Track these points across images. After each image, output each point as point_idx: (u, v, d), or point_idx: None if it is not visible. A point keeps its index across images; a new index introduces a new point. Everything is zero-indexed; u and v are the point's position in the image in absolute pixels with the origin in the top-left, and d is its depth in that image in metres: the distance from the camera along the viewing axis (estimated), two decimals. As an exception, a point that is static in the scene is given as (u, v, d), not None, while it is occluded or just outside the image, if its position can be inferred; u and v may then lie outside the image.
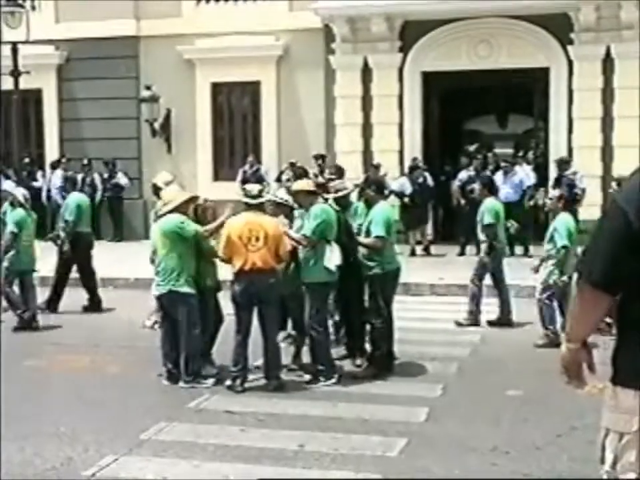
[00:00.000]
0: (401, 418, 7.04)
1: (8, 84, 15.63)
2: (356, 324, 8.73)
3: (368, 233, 8.40)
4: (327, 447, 6.31)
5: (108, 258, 14.80)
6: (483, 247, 10.70)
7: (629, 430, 3.01)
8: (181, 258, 8.03)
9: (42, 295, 11.67)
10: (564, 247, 9.40)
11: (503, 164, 16.76)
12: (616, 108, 16.54)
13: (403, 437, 6.49)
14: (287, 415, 7.17)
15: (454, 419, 7.02)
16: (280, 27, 18.01)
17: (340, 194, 9.09)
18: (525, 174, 16.44)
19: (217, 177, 18.99)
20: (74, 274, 12.14)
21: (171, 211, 8.16)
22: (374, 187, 8.83)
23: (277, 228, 7.97)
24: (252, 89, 18.77)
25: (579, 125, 16.76)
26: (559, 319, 9.54)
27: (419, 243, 16.43)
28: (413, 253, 15.89)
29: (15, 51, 15.58)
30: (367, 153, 17.72)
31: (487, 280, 10.77)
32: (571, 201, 15.16)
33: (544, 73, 17.08)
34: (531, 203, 15.74)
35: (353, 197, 10.07)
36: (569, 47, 16.66)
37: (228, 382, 7.90)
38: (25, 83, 16.70)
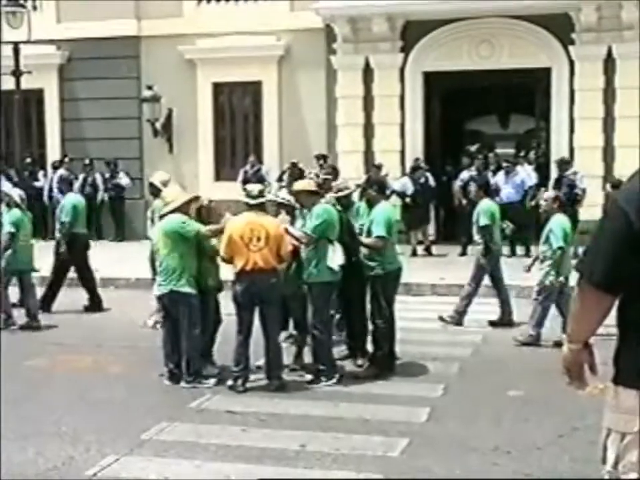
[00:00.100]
0: (402, 418, 7.04)
1: (10, 84, 15.63)
2: (357, 324, 8.74)
3: (369, 233, 8.41)
4: (328, 447, 6.31)
5: (109, 258, 14.82)
6: (479, 248, 10.71)
7: (630, 430, 3.01)
8: (182, 258, 8.03)
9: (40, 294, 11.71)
10: (560, 248, 9.40)
11: (504, 164, 16.74)
12: (617, 108, 16.54)
13: (405, 437, 6.50)
14: (288, 414, 7.17)
15: (455, 419, 7.02)
16: (281, 27, 18.02)
17: (342, 193, 9.09)
18: (527, 174, 16.43)
19: (218, 176, 19.00)
20: (72, 274, 12.16)
21: (172, 211, 8.16)
22: (375, 187, 8.84)
23: (278, 228, 7.97)
24: (253, 89, 18.78)
25: (581, 125, 16.76)
26: (559, 319, 9.54)
27: (420, 243, 16.44)
28: (414, 253, 15.89)
29: (16, 51, 15.59)
30: (368, 153, 17.72)
31: (486, 280, 10.77)
32: (566, 202, 15.25)
33: (545, 73, 17.08)
34: (533, 203, 15.70)
35: (355, 197, 10.08)
36: (570, 47, 16.66)
37: (229, 382, 7.91)
38: (26, 83, 16.70)
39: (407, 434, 6.58)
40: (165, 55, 18.60)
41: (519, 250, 15.34)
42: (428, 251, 16.36)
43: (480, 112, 24.06)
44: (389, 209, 8.82)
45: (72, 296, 12.05)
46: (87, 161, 18.72)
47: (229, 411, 7.27)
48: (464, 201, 16.16)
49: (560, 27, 16.65)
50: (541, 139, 19.10)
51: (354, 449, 6.28)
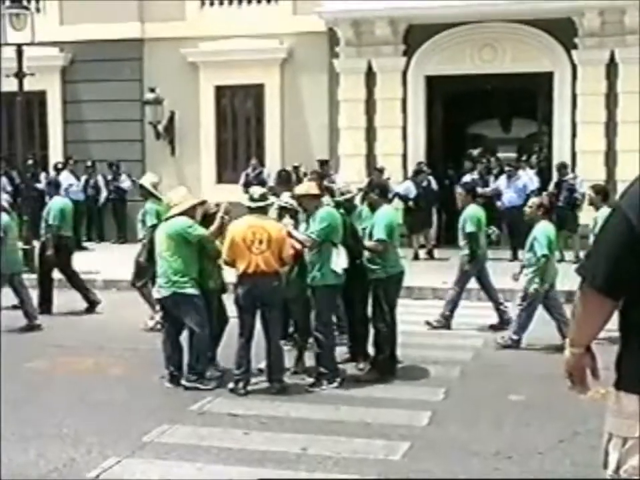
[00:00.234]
0: (403, 422, 7.04)
1: (12, 86, 15.63)
2: (359, 327, 8.74)
3: (371, 237, 8.41)
4: (329, 450, 6.31)
5: (111, 260, 14.83)
6: (464, 254, 10.71)
7: (632, 435, 3.01)
8: (185, 260, 8.03)
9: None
10: (544, 255, 9.41)
11: (506, 168, 16.76)
12: (619, 113, 16.56)
13: (406, 441, 6.50)
14: (289, 418, 7.17)
15: (456, 422, 7.02)
16: (284, 30, 18.04)
17: (344, 197, 9.09)
18: (529, 178, 16.45)
19: (220, 179, 19.02)
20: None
21: (178, 214, 8.16)
22: (377, 191, 8.84)
23: (280, 231, 7.97)
24: (256, 92, 18.81)
25: (583, 130, 16.77)
26: (553, 324, 9.55)
27: (422, 246, 16.44)
28: (416, 257, 15.90)
29: (19, 53, 15.59)
30: (370, 156, 17.73)
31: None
32: (566, 207, 15.27)
33: (548, 77, 17.10)
34: (534, 207, 15.73)
35: (357, 200, 10.09)
36: (573, 52, 16.67)
37: (231, 385, 7.91)
38: (29, 85, 16.68)
39: (408, 437, 6.58)
40: (167, 57, 18.63)
41: (520, 254, 15.32)
42: (430, 255, 16.36)
43: (482, 116, 24.08)
44: (390, 212, 8.82)
45: (72, 298, 12.06)
46: (89, 163, 18.75)
47: (231, 413, 7.27)
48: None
49: (563, 32, 16.66)
50: (543, 143, 19.12)
51: (355, 452, 6.28)
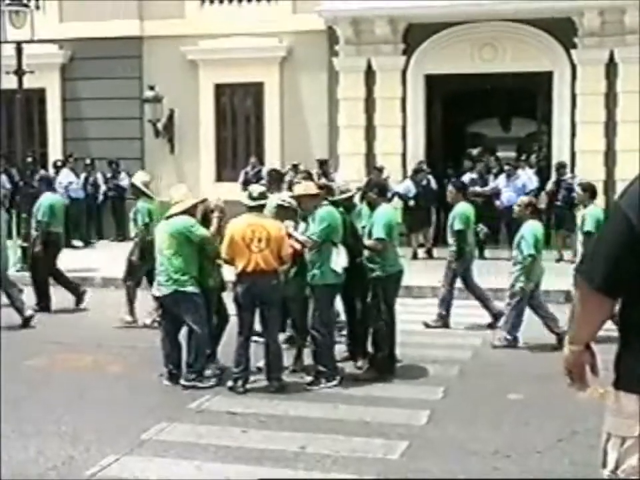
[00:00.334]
0: (402, 420, 7.04)
1: (12, 83, 15.63)
2: (358, 326, 8.75)
3: (371, 236, 8.41)
4: (328, 449, 6.31)
5: (110, 257, 14.81)
6: (451, 251, 10.71)
7: (631, 434, 3.01)
8: (186, 259, 8.03)
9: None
10: (530, 255, 9.44)
11: (505, 167, 16.77)
12: (619, 112, 16.55)
13: (404, 440, 6.50)
14: (288, 416, 7.18)
15: (455, 421, 7.02)
16: (283, 29, 18.02)
17: (344, 195, 9.09)
18: (528, 177, 16.46)
19: (219, 177, 19.01)
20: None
21: (179, 213, 8.16)
22: (376, 190, 8.84)
23: (279, 230, 7.97)
24: (255, 90, 18.80)
25: (582, 129, 16.77)
26: (539, 323, 9.59)
27: (421, 245, 16.44)
28: (415, 256, 15.89)
29: (19, 50, 15.58)
30: (369, 155, 17.73)
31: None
32: (564, 206, 15.28)
33: (547, 76, 17.09)
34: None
35: (356, 199, 10.09)
36: (573, 51, 16.67)
37: (229, 383, 7.91)
38: (28, 82, 16.67)
39: (406, 436, 6.59)
40: (167, 55, 18.61)
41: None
42: (429, 254, 16.35)
43: (482, 115, 24.08)
44: (389, 211, 8.82)
45: (70, 295, 12.06)
46: (88, 161, 18.74)
47: (229, 411, 7.27)
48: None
49: (562, 31, 16.66)
50: (542, 142, 19.11)
51: (354, 451, 6.28)
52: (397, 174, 17.09)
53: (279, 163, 17.79)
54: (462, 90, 18.61)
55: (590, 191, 10.33)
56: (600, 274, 3.03)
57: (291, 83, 18.34)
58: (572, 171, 16.47)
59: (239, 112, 19.25)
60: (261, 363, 8.17)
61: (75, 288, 12.13)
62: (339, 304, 8.75)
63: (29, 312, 10.87)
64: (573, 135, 16.91)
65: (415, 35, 17.41)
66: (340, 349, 8.75)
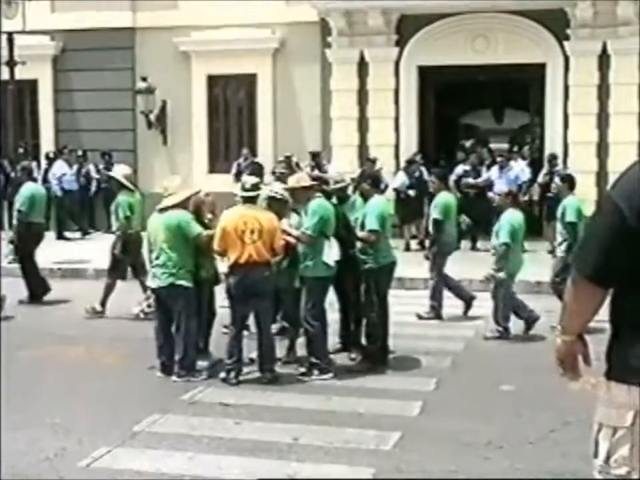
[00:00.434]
0: (395, 412, 7.05)
1: (4, 74, 15.59)
2: (352, 317, 8.75)
3: (363, 227, 8.41)
4: (320, 440, 6.32)
5: (102, 249, 14.73)
6: (428, 240, 10.81)
7: (622, 424, 3.02)
8: (182, 252, 8.02)
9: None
10: (504, 243, 9.47)
11: (498, 159, 16.78)
12: (612, 104, 16.56)
13: (397, 431, 6.51)
14: (281, 407, 7.18)
15: (447, 413, 7.04)
16: (276, 20, 17.98)
17: (338, 186, 9.07)
18: (521, 169, 16.47)
19: (212, 169, 18.98)
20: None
21: (174, 206, 8.15)
22: (369, 181, 8.84)
23: (272, 221, 7.95)
24: (248, 81, 18.76)
25: (575, 121, 16.77)
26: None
27: (414, 237, 16.44)
28: (407, 247, 15.90)
29: (10, 41, 15.55)
30: (362, 146, 17.71)
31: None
32: (555, 197, 15.34)
33: (540, 68, 17.08)
34: (526, 198, 15.80)
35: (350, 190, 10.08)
36: (565, 43, 16.66)
37: (222, 374, 7.91)
38: (20, 74, 16.65)
39: (399, 427, 6.59)
40: (159, 46, 18.55)
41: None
42: (422, 245, 16.32)
43: (474, 106, 24.09)
44: (382, 202, 8.82)
45: (63, 286, 12.05)
46: (80, 152, 18.69)
47: (222, 403, 7.28)
48: (458, 195, 16.16)
49: (555, 23, 16.65)
50: (535, 134, 19.13)
51: (346, 442, 6.29)
52: (390, 165, 17.08)
53: (272, 155, 17.81)
54: (455, 81, 18.61)
55: (569, 181, 10.39)
56: (591, 264, 3.04)
57: (284, 74, 18.31)
58: (564, 162, 16.49)
59: (231, 103, 19.22)
60: (254, 354, 8.17)
61: (32, 287, 11.91)
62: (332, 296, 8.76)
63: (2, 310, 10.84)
64: (566, 126, 16.92)
65: (407, 26, 17.39)
66: (333, 341, 8.74)
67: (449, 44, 17.23)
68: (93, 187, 18.89)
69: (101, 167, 18.84)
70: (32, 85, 19.31)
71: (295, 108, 18.20)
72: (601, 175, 16.42)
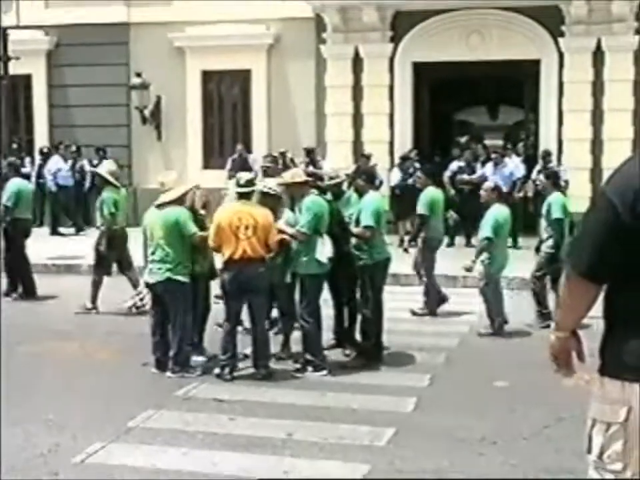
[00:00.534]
0: (389, 408, 7.06)
1: (-3, 69, 15.58)
2: (346, 313, 8.75)
3: (358, 223, 8.41)
4: (315, 436, 6.32)
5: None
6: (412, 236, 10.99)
7: (615, 420, 3.03)
8: (178, 248, 8.01)
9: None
10: (486, 238, 9.49)
11: (493, 155, 16.79)
12: (606, 101, 16.58)
13: (391, 427, 6.51)
14: (275, 403, 7.19)
15: (442, 409, 7.04)
16: (271, 16, 17.98)
17: (333, 182, 9.07)
18: (515, 165, 16.49)
19: (206, 165, 18.96)
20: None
21: (171, 202, 8.14)
22: (364, 177, 8.84)
23: (267, 217, 7.94)
24: (242, 77, 18.74)
25: (569, 118, 16.79)
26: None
27: (408, 233, 16.42)
28: (402, 244, 15.88)
29: (4, 36, 15.51)
30: (357, 143, 17.70)
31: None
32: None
33: (535, 64, 17.10)
34: (520, 194, 15.84)
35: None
36: (560, 40, 16.68)
37: (217, 370, 7.91)
38: (14, 69, 16.60)
39: (393, 423, 6.60)
40: (154, 42, 18.52)
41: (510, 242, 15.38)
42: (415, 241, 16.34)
43: (469, 103, 24.12)
44: (377, 198, 8.82)
45: (55, 282, 12.03)
46: (74, 148, 18.65)
47: (216, 399, 7.27)
48: (452, 192, 16.19)
49: (550, 19, 16.66)
50: (529, 130, 19.15)
51: (341, 438, 6.30)
52: (385, 162, 17.08)
53: (266, 151, 17.79)
54: (449, 78, 18.61)
55: (553, 178, 10.44)
56: (585, 260, 3.05)
57: (279, 70, 18.29)
58: (559, 159, 16.51)
59: (226, 99, 19.19)
60: (248, 350, 8.17)
61: (18, 284, 11.88)
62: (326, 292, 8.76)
63: None
64: (560, 123, 16.94)
65: (402, 22, 17.39)
66: (327, 337, 8.75)
67: (444, 40, 17.23)
68: (87, 183, 18.85)
69: (95, 162, 18.82)
70: (26, 80, 19.27)
71: (289, 104, 18.20)
72: (595, 171, 16.44)
